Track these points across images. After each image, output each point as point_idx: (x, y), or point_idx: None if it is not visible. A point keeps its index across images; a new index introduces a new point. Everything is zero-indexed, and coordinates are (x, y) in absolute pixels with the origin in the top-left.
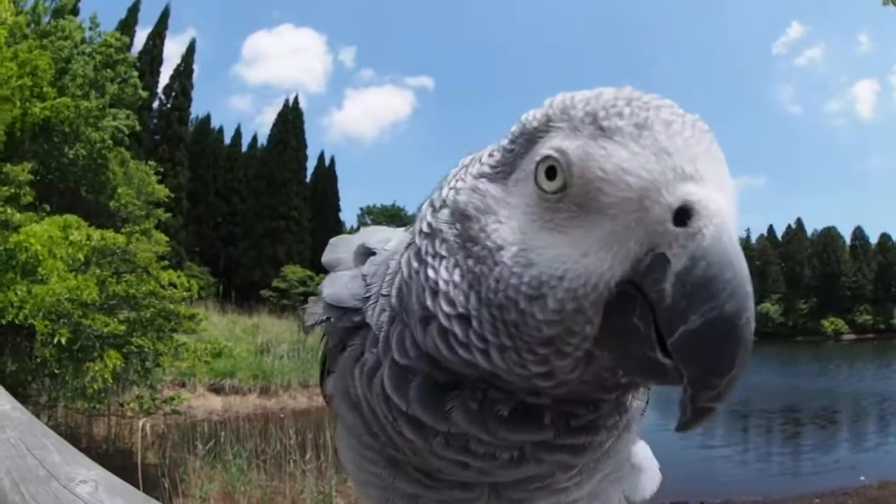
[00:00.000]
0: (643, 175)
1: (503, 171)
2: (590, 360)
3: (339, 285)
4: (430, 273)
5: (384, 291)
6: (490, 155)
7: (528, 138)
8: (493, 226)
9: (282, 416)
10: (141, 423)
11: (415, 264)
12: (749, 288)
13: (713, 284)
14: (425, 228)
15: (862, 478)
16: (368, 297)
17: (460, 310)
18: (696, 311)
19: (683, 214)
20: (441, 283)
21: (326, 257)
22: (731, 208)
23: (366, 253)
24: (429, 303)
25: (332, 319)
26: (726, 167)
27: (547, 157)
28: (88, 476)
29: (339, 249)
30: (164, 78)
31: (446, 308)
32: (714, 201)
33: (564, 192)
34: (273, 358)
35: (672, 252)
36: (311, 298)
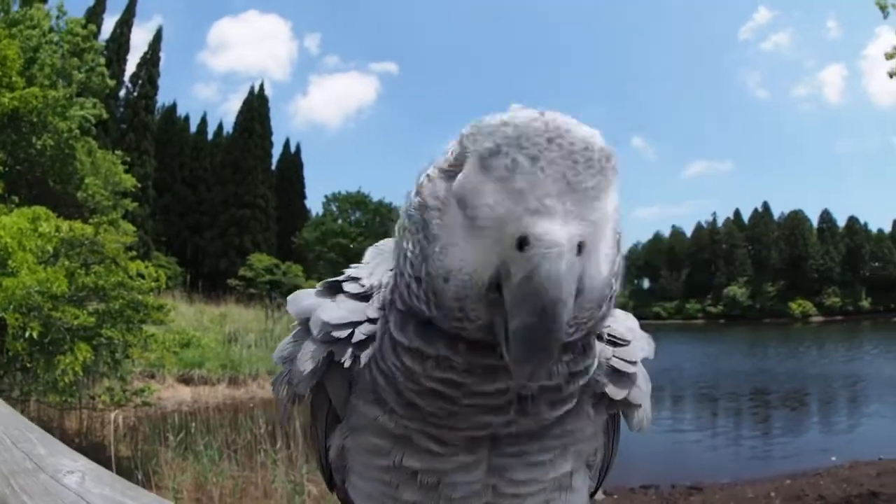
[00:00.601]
0: (500, 211)
1: (452, 171)
2: (490, 329)
3: (331, 309)
4: (404, 243)
5: (390, 266)
6: (451, 153)
7: (462, 153)
8: (436, 220)
9: (251, 405)
10: (113, 415)
11: (397, 234)
12: (559, 309)
13: (529, 300)
14: (406, 207)
15: (833, 458)
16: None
17: (416, 273)
18: (515, 317)
19: (524, 242)
20: (409, 252)
21: (295, 308)
22: (573, 236)
23: (336, 287)
24: (401, 262)
25: (341, 339)
26: (593, 195)
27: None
28: (75, 467)
29: (301, 298)
30: (130, 66)
31: (409, 270)
32: (551, 234)
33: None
34: (241, 347)
35: (513, 269)
36: (288, 350)
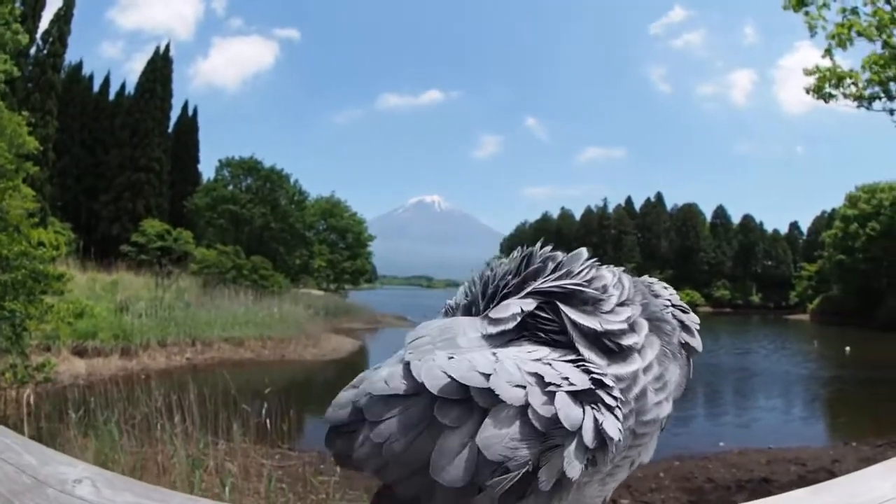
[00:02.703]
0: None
1: None
2: None
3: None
4: None
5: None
6: None
7: None
8: None
9: (143, 376)
10: (26, 394)
11: None
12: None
13: None
14: None
15: (721, 444)
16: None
17: None
18: None
19: None
20: None
21: (570, 421)
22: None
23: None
24: None
25: None
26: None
27: None
28: (78, 474)
29: (571, 411)
30: (44, 23)
31: None
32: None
33: None
34: (132, 316)
35: None
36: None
